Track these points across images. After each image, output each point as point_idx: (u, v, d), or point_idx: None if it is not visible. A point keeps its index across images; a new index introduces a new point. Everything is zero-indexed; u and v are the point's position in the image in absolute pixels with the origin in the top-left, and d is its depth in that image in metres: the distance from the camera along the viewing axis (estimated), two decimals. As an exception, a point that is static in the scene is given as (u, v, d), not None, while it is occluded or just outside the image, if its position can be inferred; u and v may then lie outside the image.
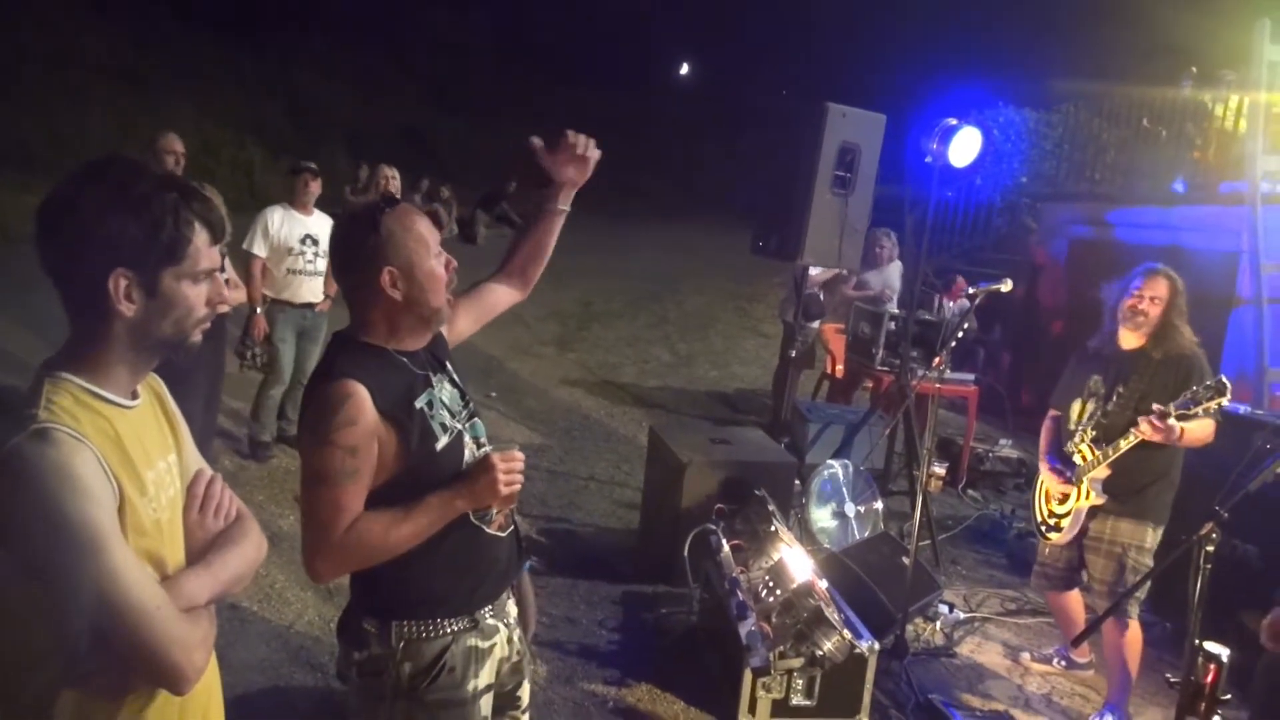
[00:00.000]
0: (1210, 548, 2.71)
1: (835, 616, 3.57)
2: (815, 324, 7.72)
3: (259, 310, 5.63)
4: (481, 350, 8.97)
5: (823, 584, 3.76)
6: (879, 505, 5.35)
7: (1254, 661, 2.90)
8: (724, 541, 4.21)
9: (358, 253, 1.93)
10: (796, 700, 3.62)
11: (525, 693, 2.22)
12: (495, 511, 2.02)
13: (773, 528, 4.24)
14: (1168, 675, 2.90)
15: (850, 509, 5.29)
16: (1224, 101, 8.35)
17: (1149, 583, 3.36)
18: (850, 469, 5.39)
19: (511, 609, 2.15)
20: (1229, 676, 2.68)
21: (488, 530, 2.01)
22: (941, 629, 4.62)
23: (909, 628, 4.35)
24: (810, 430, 6.35)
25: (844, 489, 5.33)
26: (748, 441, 5.29)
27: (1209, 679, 2.66)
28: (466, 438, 2.01)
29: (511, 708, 2.18)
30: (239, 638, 3.79)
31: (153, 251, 1.43)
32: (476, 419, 2.09)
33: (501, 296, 2.29)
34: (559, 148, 2.17)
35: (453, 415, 1.99)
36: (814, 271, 6.48)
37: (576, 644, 4.13)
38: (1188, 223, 7.82)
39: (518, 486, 1.95)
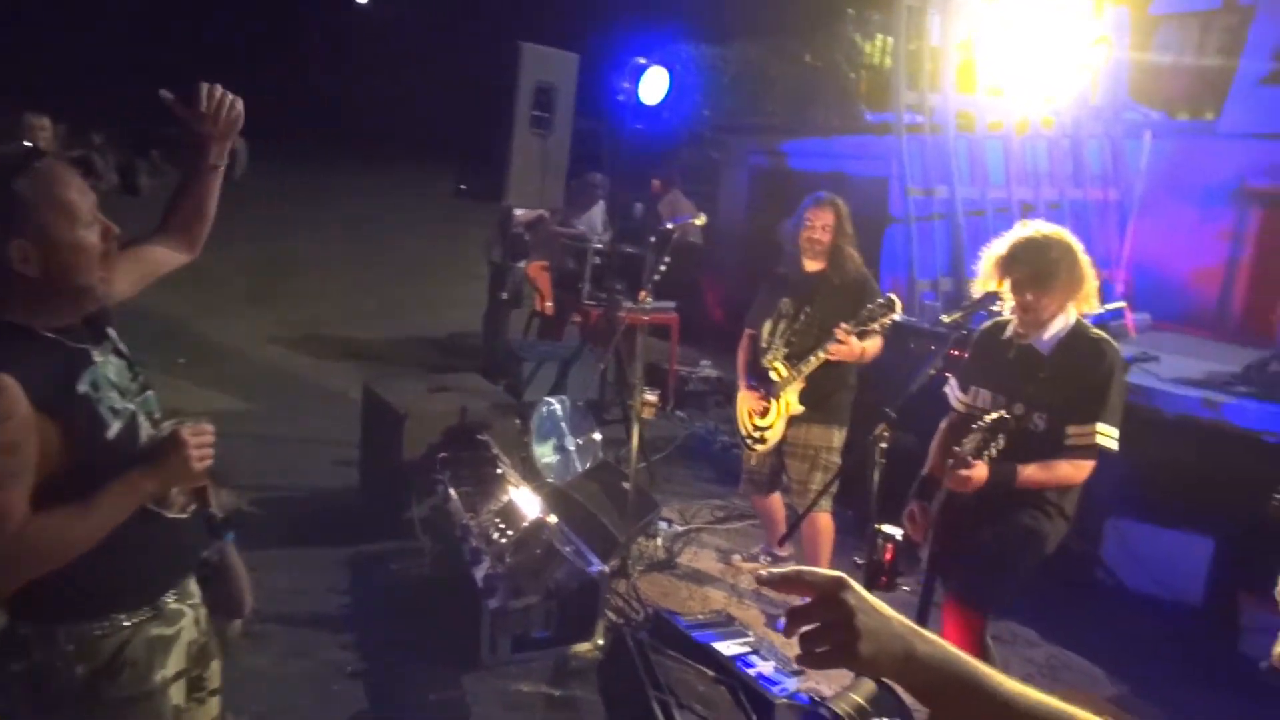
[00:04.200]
0: (884, 444, 3.12)
1: (566, 548, 3.71)
2: (522, 263, 7.76)
3: None
4: (163, 312, 8.17)
5: (552, 519, 3.89)
6: (597, 436, 5.57)
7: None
8: (451, 490, 4.22)
9: None
10: (536, 633, 3.74)
11: (214, 674, 2.11)
12: (176, 492, 1.88)
13: (498, 470, 4.30)
14: (855, 557, 3.32)
15: (571, 442, 5.46)
16: (872, 40, 9.27)
17: (838, 478, 3.79)
18: (567, 404, 5.55)
19: (197, 590, 2.03)
20: (903, 551, 3.12)
21: (167, 515, 1.87)
22: (662, 544, 4.93)
23: (633, 548, 4.61)
24: (525, 369, 6.43)
25: (563, 424, 5.49)
26: (465, 387, 5.29)
27: (887, 556, 3.09)
28: (140, 417, 1.84)
29: (197, 689, 2.06)
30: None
31: None
32: (149, 392, 1.91)
33: (164, 257, 2.08)
34: (195, 103, 1.98)
35: (123, 394, 1.81)
36: (519, 212, 6.51)
37: (307, 614, 3.98)
38: (847, 151, 8.67)
39: (210, 461, 1.82)
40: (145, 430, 1.83)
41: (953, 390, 3.34)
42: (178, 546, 1.93)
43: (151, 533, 1.84)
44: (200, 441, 1.79)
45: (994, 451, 2.81)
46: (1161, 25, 7.79)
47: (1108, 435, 2.93)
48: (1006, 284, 3.06)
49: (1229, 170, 6.39)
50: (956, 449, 2.88)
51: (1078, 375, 2.97)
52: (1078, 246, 3.06)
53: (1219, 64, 7.25)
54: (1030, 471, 2.90)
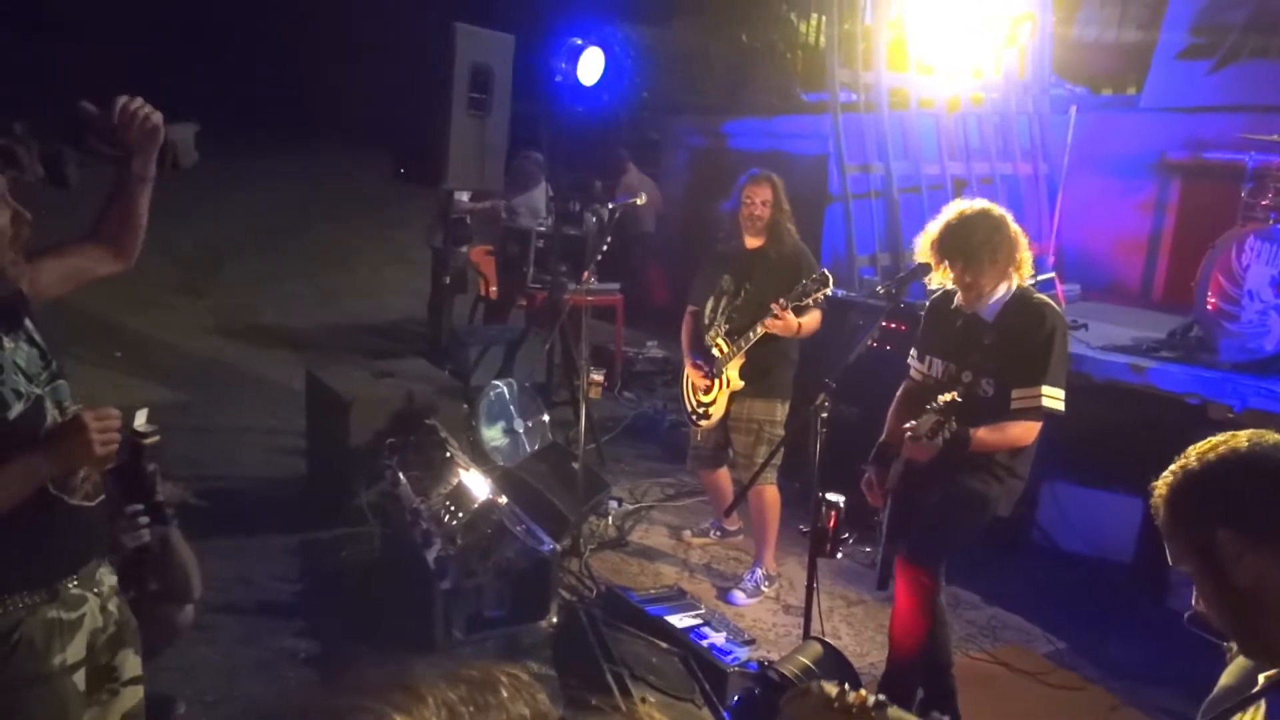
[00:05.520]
0: (825, 414, 3.19)
1: (517, 528, 3.73)
2: (465, 248, 7.72)
3: None
4: (93, 308, 7.95)
5: (502, 499, 3.91)
6: (545, 417, 5.59)
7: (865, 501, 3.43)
8: (400, 474, 4.21)
9: None
10: (489, 612, 3.76)
11: (127, 664, 2.08)
12: (81, 479, 1.89)
13: (447, 454, 4.30)
14: (800, 526, 3.39)
15: (519, 425, 5.47)
16: (808, 20, 9.35)
17: (782, 450, 3.86)
18: (515, 387, 5.56)
19: (106, 577, 2.02)
20: (846, 517, 3.20)
21: (69, 500, 1.87)
22: (613, 522, 4.98)
23: (584, 527, 4.65)
24: (472, 354, 6.42)
25: (511, 406, 5.50)
26: (411, 372, 5.27)
27: (831, 523, 3.16)
28: (48, 403, 1.85)
29: (109, 680, 2.04)
30: None
31: None
32: (60, 381, 1.93)
33: (95, 262, 2.08)
34: (115, 116, 1.97)
35: (29, 379, 1.82)
36: (463, 198, 6.47)
37: (255, 603, 3.95)
38: (786, 130, 8.74)
39: (114, 446, 1.85)
40: (52, 416, 1.85)
41: (912, 360, 3.41)
42: (79, 533, 1.92)
43: (51, 517, 1.84)
44: (103, 426, 1.80)
45: (948, 434, 2.87)
46: (1084, 1, 8.00)
47: (1053, 397, 2.99)
48: (944, 266, 3.11)
49: (1150, 144, 6.59)
50: (912, 424, 2.94)
51: (1020, 340, 3.04)
52: (1007, 218, 3.11)
53: (1139, 39, 7.47)
54: (982, 434, 2.96)
